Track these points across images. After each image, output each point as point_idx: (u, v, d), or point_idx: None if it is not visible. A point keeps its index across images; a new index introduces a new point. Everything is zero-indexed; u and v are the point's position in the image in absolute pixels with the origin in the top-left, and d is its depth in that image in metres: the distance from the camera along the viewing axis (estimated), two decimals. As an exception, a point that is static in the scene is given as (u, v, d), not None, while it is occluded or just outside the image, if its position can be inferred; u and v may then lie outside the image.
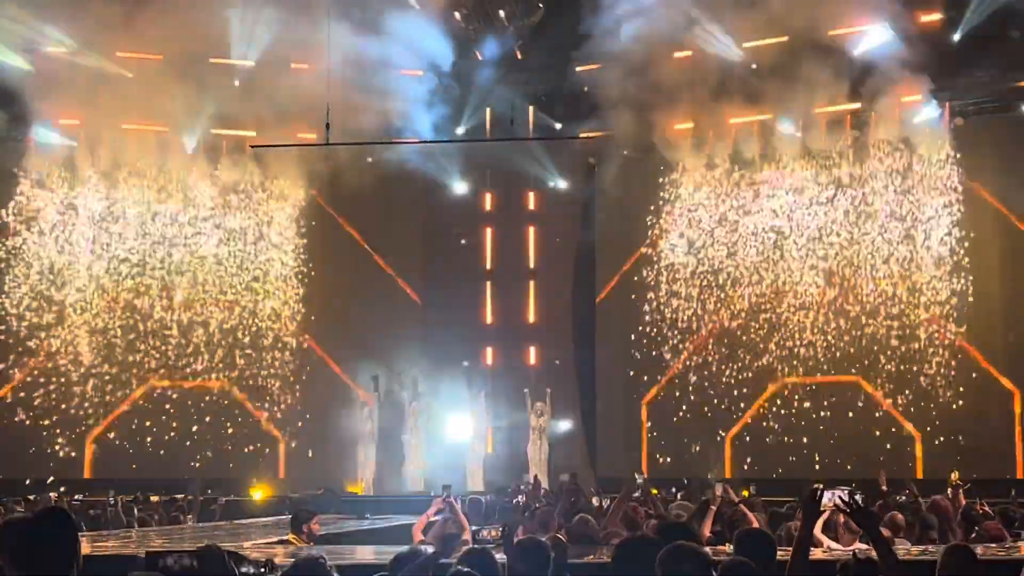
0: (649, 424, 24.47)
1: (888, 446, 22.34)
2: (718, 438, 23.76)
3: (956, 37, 21.68)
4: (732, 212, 24.15)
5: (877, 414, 22.69)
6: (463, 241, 26.19)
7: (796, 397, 23.35)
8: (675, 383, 24.28)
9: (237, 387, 24.96)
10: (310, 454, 24.78)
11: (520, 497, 16.35)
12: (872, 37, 21.70)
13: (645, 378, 24.56)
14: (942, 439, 22.07)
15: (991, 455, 21.53)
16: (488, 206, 26.32)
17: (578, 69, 23.73)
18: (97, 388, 24.55)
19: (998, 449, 21.82)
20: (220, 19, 22.11)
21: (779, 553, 5.97)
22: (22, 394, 24.52)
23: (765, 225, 23.87)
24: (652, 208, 24.67)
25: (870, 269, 22.98)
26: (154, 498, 18.61)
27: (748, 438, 23.68)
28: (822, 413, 23.10)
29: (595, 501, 14.24)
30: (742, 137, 23.92)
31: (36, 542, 3.99)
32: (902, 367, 22.57)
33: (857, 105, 22.81)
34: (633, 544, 5.57)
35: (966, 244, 22.42)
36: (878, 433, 22.56)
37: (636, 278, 24.64)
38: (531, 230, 26.28)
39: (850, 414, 22.86)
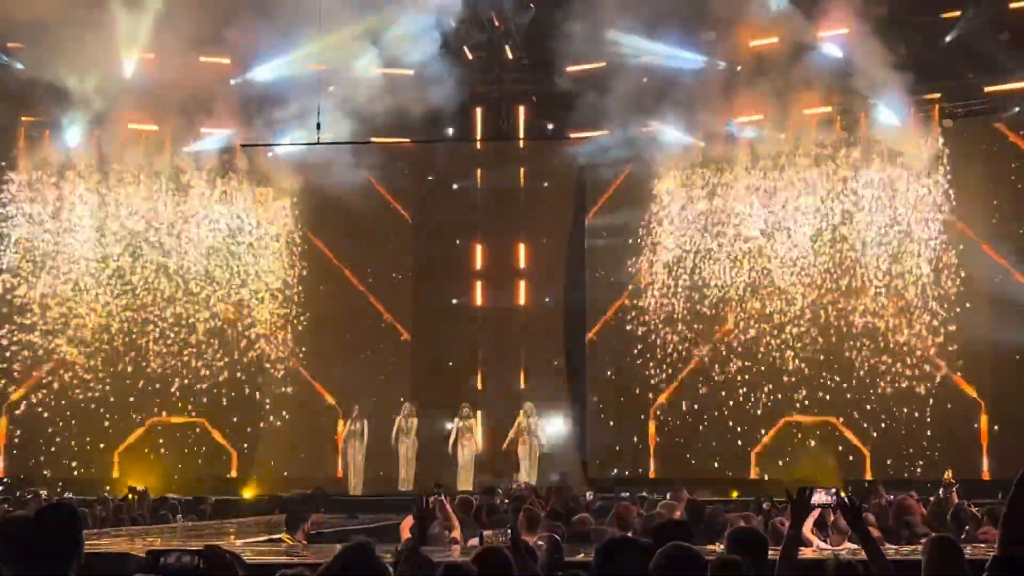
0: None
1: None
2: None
3: (948, 39, 21.79)
4: (719, 214, 24.18)
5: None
6: (457, 242, 26.24)
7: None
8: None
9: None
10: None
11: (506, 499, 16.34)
12: (861, 39, 21.76)
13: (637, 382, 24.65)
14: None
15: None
16: (478, 205, 26.37)
17: (569, 70, 23.76)
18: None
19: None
20: (212, 19, 22.03)
21: (770, 552, 6.01)
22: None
23: (754, 228, 23.89)
24: (641, 209, 24.68)
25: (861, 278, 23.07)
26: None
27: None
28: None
29: (589, 496, 14.28)
30: (732, 139, 23.97)
31: (38, 538, 4.02)
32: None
33: (844, 108, 22.90)
34: (614, 545, 5.61)
35: (953, 259, 22.52)
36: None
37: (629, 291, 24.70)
38: (520, 232, 26.30)
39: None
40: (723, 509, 12.31)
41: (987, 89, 22.59)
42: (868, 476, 21.97)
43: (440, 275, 26.02)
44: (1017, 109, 22.47)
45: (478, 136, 25.82)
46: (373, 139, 23.25)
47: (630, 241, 24.68)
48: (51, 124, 24.29)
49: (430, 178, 26.19)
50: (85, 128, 24.12)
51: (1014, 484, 3.49)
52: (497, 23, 23.83)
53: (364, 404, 23.93)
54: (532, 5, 23.59)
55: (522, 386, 25.46)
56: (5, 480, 23.26)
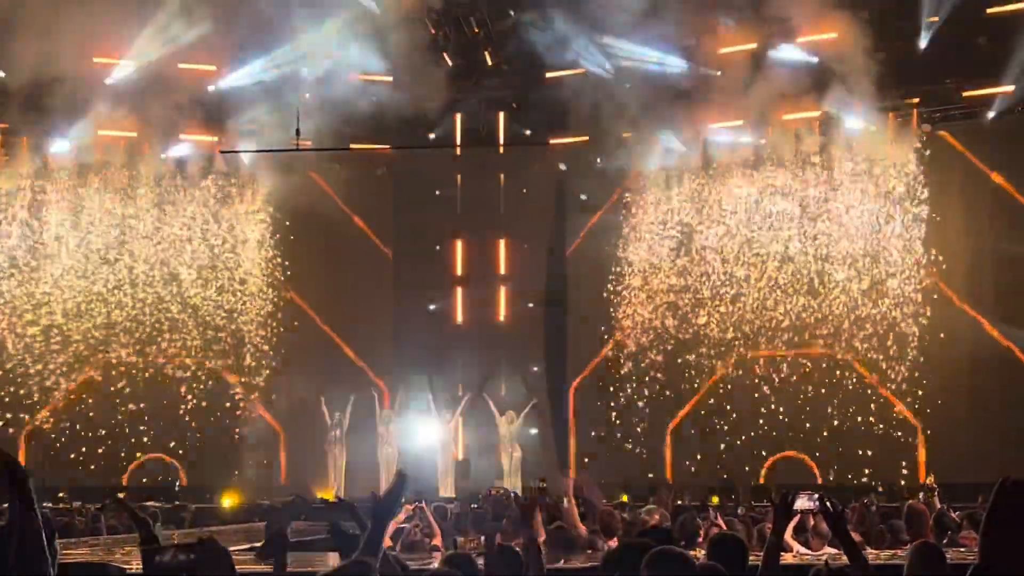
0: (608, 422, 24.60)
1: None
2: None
3: (923, 44, 21.88)
4: (700, 211, 24.23)
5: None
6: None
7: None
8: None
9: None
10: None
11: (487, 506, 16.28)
12: (837, 43, 21.81)
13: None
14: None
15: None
16: (458, 210, 26.31)
17: (549, 75, 23.74)
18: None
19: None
20: (190, 25, 21.94)
21: (751, 557, 6.00)
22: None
23: (733, 233, 23.95)
24: (619, 210, 24.71)
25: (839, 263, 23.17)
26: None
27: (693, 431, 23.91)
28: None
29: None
30: (713, 142, 24.02)
31: (12, 548, 3.98)
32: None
33: (824, 111, 22.96)
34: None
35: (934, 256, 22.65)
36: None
37: (606, 287, 24.68)
38: (501, 239, 26.23)
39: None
40: (695, 512, 12.30)
41: (965, 94, 22.72)
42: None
43: (418, 281, 25.91)
44: (994, 114, 22.58)
45: (457, 142, 25.75)
46: (352, 146, 23.19)
47: (611, 243, 24.68)
48: (28, 132, 24.13)
49: (409, 184, 26.03)
50: (64, 135, 23.95)
51: (993, 491, 3.47)
52: (477, 29, 23.77)
53: (344, 410, 23.87)
54: (512, 12, 23.55)
55: (502, 393, 25.37)
56: None
